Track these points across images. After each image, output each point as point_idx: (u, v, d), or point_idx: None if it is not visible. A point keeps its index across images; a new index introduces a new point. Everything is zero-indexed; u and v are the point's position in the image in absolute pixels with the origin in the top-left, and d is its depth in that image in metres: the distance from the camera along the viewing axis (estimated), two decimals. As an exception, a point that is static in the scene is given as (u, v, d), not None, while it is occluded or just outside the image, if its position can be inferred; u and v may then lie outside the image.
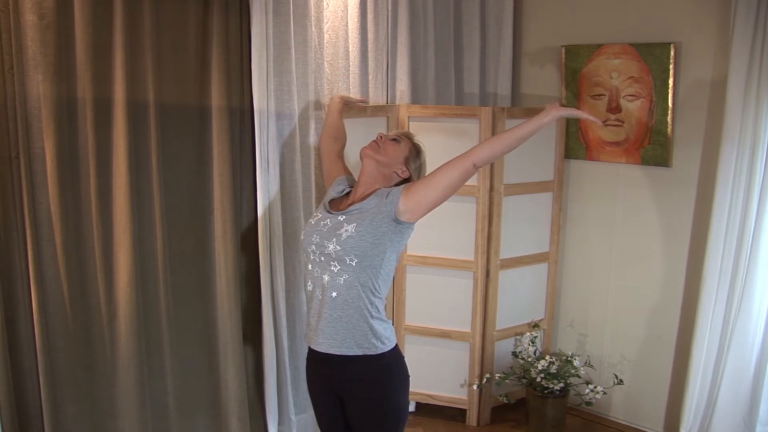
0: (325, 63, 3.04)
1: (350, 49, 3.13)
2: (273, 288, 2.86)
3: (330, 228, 2.11)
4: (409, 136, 2.30)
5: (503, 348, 3.50)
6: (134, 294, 2.50)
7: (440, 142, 3.11)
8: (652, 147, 3.23)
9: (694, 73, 3.06)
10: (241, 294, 2.83)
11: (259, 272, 2.81)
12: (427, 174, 2.20)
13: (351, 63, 3.15)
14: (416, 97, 3.43)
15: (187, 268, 2.73)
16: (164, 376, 2.68)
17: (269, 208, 2.81)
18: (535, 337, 3.50)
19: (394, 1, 3.25)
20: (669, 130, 3.15)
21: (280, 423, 2.97)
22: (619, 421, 3.50)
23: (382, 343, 2.11)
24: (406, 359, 2.22)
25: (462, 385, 3.47)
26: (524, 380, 3.41)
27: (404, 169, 2.23)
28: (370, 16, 3.17)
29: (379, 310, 2.12)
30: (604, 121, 3.33)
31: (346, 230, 2.07)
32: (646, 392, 3.39)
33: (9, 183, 2.29)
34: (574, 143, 3.50)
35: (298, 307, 2.99)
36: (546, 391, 3.30)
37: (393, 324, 2.40)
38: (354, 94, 3.13)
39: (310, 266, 2.15)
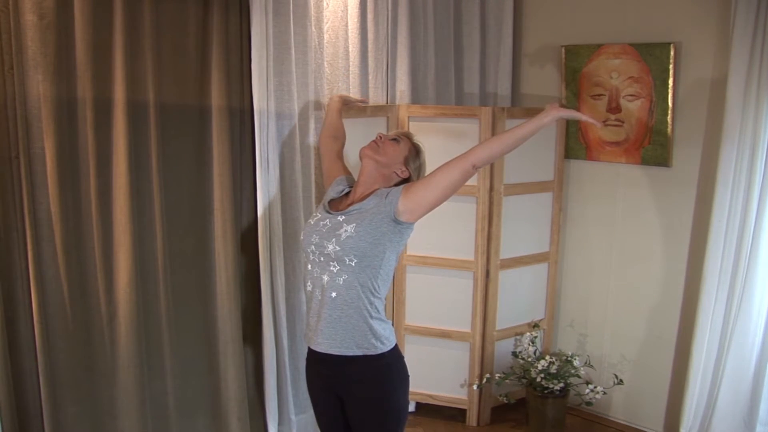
0: (325, 63, 3.04)
1: (350, 49, 3.13)
2: (273, 288, 2.86)
3: (329, 228, 2.11)
4: (408, 136, 2.30)
5: (503, 348, 3.50)
6: (134, 294, 2.50)
7: (440, 142, 3.11)
8: (652, 147, 3.22)
9: (694, 73, 3.06)
10: (241, 294, 2.83)
11: (259, 272, 2.81)
12: (426, 174, 2.20)
13: (351, 63, 3.14)
14: (416, 97, 3.43)
15: (187, 268, 2.73)
16: (164, 376, 2.68)
17: (269, 208, 2.81)
18: (535, 337, 3.50)
19: (394, 1, 3.25)
20: (669, 130, 3.15)
21: (280, 423, 2.97)
22: (619, 421, 3.50)
23: (382, 343, 2.11)
24: (406, 359, 2.22)
25: (462, 385, 3.47)
26: (524, 380, 3.41)
27: (404, 169, 2.23)
28: (370, 16, 3.17)
29: (378, 311, 2.12)
30: (604, 121, 3.33)
31: (346, 230, 2.06)
32: (646, 392, 3.38)
33: (9, 183, 2.29)
34: (574, 143, 3.50)
35: (298, 307, 2.98)
36: (546, 391, 3.30)
37: (393, 324, 2.40)
38: (354, 94, 3.13)
39: (309, 266, 2.15)
